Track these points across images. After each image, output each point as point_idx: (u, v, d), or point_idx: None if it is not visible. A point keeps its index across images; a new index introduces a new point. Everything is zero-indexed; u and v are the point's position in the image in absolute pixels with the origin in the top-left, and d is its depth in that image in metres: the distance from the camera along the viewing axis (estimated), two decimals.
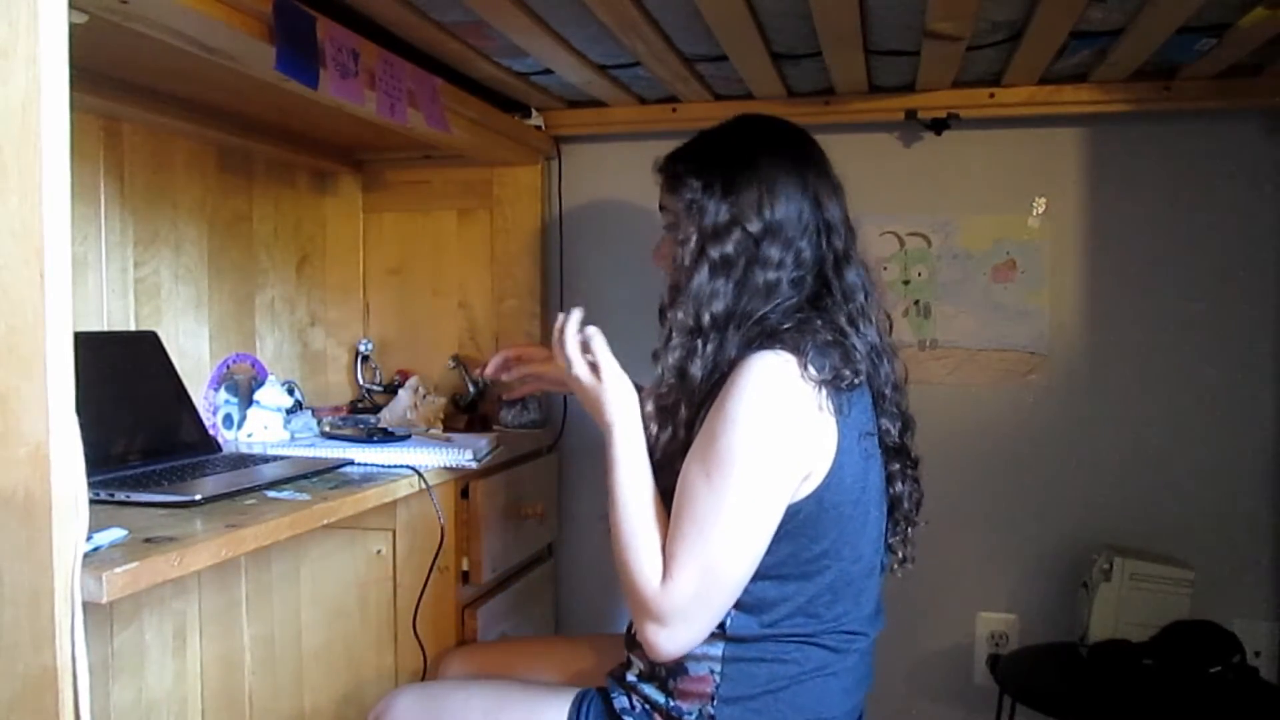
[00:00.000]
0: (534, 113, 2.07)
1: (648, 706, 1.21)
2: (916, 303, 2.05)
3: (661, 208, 1.30)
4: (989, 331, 2.02)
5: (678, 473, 1.14)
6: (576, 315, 1.25)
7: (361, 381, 2.16)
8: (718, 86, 1.95)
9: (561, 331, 1.25)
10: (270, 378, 1.81)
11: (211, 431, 1.67)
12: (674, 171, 1.26)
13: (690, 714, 1.17)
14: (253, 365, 1.88)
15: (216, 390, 1.77)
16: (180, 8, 1.07)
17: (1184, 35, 1.57)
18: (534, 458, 2.00)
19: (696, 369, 1.17)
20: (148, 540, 1.00)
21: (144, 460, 1.44)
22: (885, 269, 2.03)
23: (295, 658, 1.65)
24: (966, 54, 1.68)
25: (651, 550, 1.13)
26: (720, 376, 1.15)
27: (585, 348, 1.24)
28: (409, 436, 1.73)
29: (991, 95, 1.91)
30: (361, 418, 1.90)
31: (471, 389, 2.10)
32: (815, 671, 1.16)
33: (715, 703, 1.16)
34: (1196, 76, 1.81)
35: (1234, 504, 1.92)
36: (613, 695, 1.24)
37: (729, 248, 1.17)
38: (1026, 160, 1.99)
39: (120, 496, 1.20)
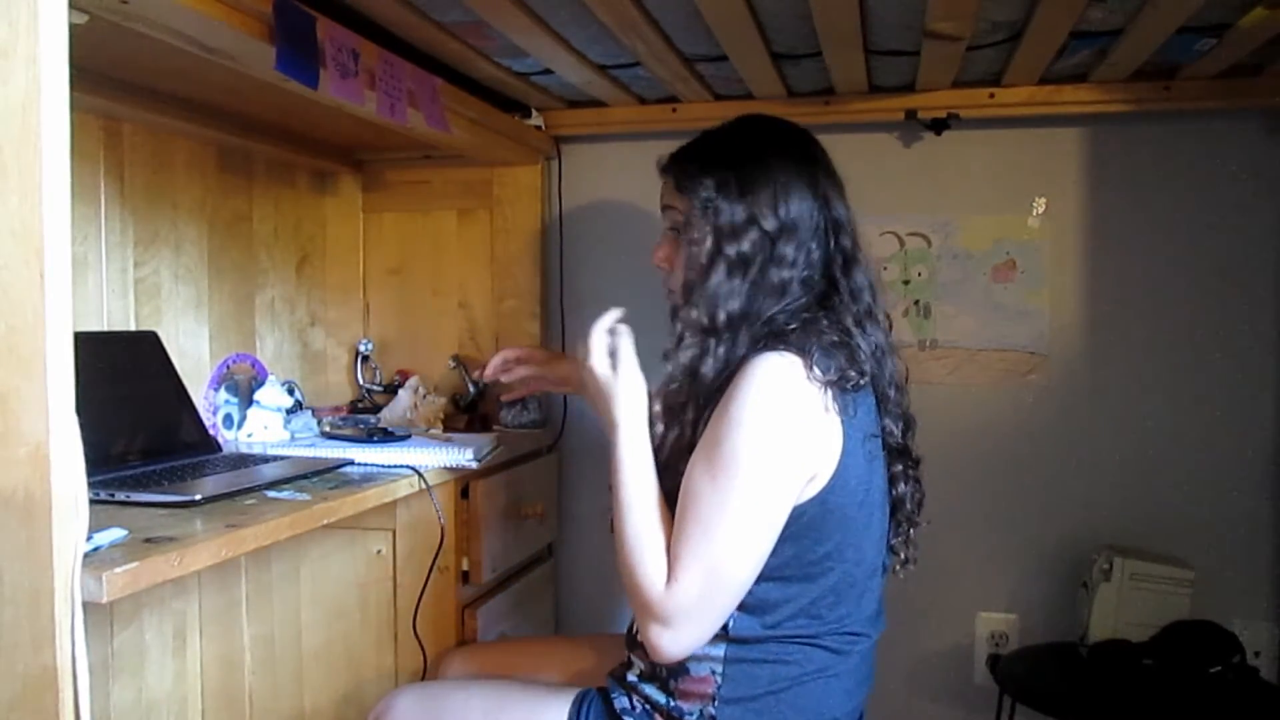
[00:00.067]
0: (534, 113, 2.07)
1: (648, 707, 1.21)
2: (916, 303, 2.05)
3: (665, 208, 1.29)
4: (989, 331, 2.02)
5: (683, 474, 1.14)
6: (615, 313, 1.27)
7: (361, 381, 2.16)
8: (718, 86, 1.95)
9: (595, 323, 1.26)
10: (270, 378, 1.81)
11: (211, 431, 1.67)
12: (684, 171, 1.25)
13: (691, 714, 1.17)
14: (253, 365, 1.88)
15: (216, 390, 1.77)
16: (180, 8, 1.07)
17: (1184, 35, 1.57)
18: (534, 458, 2.00)
19: (708, 369, 1.17)
20: (148, 540, 1.00)
21: (144, 460, 1.44)
22: (885, 269, 2.03)
23: (295, 658, 1.65)
24: (966, 54, 1.68)
25: (656, 551, 1.13)
26: (728, 377, 1.15)
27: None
28: (409, 436, 1.73)
29: (991, 95, 1.91)
30: (361, 418, 1.90)
31: (471, 389, 2.10)
32: (817, 673, 1.16)
33: (716, 703, 1.16)
34: (1196, 76, 1.81)
35: (1234, 504, 1.92)
36: (613, 695, 1.24)
37: (745, 246, 1.18)
38: (1026, 160, 1.99)
39: (120, 496, 1.20)
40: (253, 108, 1.68)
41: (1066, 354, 1.99)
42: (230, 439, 1.72)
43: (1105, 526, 1.95)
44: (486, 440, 1.73)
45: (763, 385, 1.10)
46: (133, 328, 1.62)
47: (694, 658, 1.16)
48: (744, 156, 1.21)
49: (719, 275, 1.18)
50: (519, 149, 2.05)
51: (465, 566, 1.66)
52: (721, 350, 1.17)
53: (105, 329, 1.57)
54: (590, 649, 1.47)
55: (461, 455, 1.59)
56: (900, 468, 1.29)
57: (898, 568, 1.32)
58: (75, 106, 0.82)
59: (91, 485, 0.86)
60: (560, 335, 2.15)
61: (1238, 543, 1.92)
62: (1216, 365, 1.92)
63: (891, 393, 1.26)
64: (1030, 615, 2.01)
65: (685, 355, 1.18)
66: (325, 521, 1.25)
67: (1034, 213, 1.99)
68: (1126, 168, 1.95)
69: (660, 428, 1.21)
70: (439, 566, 1.58)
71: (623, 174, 2.13)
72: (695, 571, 1.10)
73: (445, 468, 1.58)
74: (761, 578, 1.13)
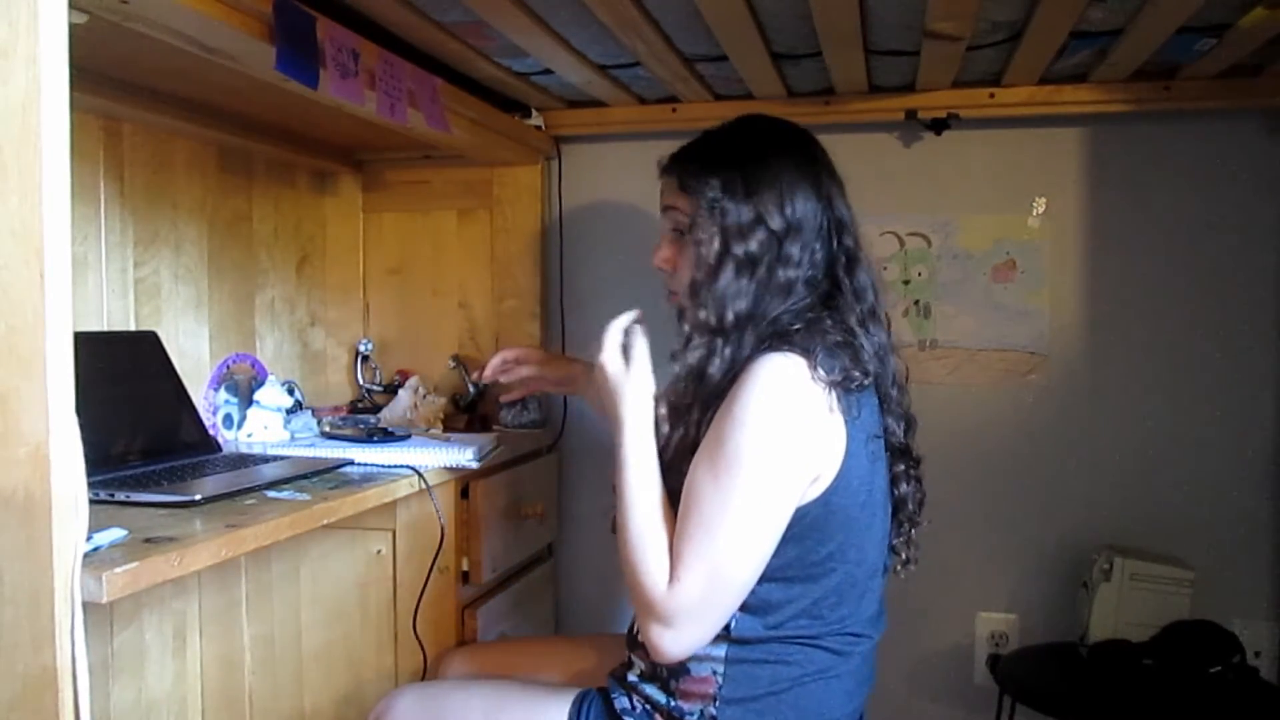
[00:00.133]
0: (534, 113, 2.07)
1: (649, 707, 1.21)
2: (916, 303, 2.05)
3: (667, 208, 1.28)
4: (989, 331, 2.02)
5: (686, 474, 1.14)
6: (633, 313, 1.27)
7: (361, 381, 2.16)
8: (718, 86, 1.95)
9: (613, 321, 1.27)
10: (270, 378, 1.81)
11: (211, 431, 1.67)
12: (688, 171, 1.24)
13: (692, 714, 1.17)
14: (253, 365, 1.88)
15: (216, 390, 1.77)
16: (180, 8, 1.07)
17: (1184, 35, 1.57)
18: (534, 458, 2.00)
19: (715, 369, 1.16)
20: (148, 540, 1.00)
21: (144, 460, 1.44)
22: (885, 269, 2.03)
23: (295, 658, 1.65)
24: (966, 54, 1.68)
25: (658, 551, 1.13)
26: (732, 377, 1.15)
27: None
28: (409, 436, 1.73)
29: (991, 95, 1.91)
30: (361, 418, 1.90)
31: (471, 389, 2.10)
32: (818, 674, 1.16)
33: (717, 703, 1.16)
34: (1196, 76, 1.81)
35: (1234, 504, 1.92)
36: (613, 695, 1.24)
37: (753, 246, 1.18)
38: (1026, 160, 1.99)
39: (120, 496, 1.20)
40: (253, 108, 1.68)
41: (1066, 354, 1.99)
42: (230, 439, 1.72)
43: (1105, 526, 1.95)
44: (486, 440, 1.73)
45: (767, 386, 1.10)
46: (133, 328, 1.62)
47: (695, 658, 1.16)
48: (747, 156, 1.21)
49: (727, 275, 1.18)
50: (519, 149, 2.05)
51: (465, 566, 1.66)
52: (728, 351, 1.17)
53: (105, 329, 1.57)
54: (590, 649, 1.47)
55: (461, 455, 1.59)
56: (902, 468, 1.29)
57: (899, 568, 1.31)
58: (75, 106, 0.82)
59: (91, 485, 0.86)
60: (560, 335, 2.15)
61: (1238, 543, 1.92)
62: (1216, 365, 1.92)
63: (894, 393, 1.26)
64: (1030, 615, 2.01)
65: (693, 356, 1.18)
66: (325, 521, 1.25)
67: (1034, 213, 1.99)
68: (1126, 168, 1.95)
69: (665, 428, 1.21)
70: (439, 566, 1.58)
71: (623, 174, 2.13)
72: (698, 571, 1.10)
73: (445, 468, 1.58)
74: (764, 578, 1.13)
